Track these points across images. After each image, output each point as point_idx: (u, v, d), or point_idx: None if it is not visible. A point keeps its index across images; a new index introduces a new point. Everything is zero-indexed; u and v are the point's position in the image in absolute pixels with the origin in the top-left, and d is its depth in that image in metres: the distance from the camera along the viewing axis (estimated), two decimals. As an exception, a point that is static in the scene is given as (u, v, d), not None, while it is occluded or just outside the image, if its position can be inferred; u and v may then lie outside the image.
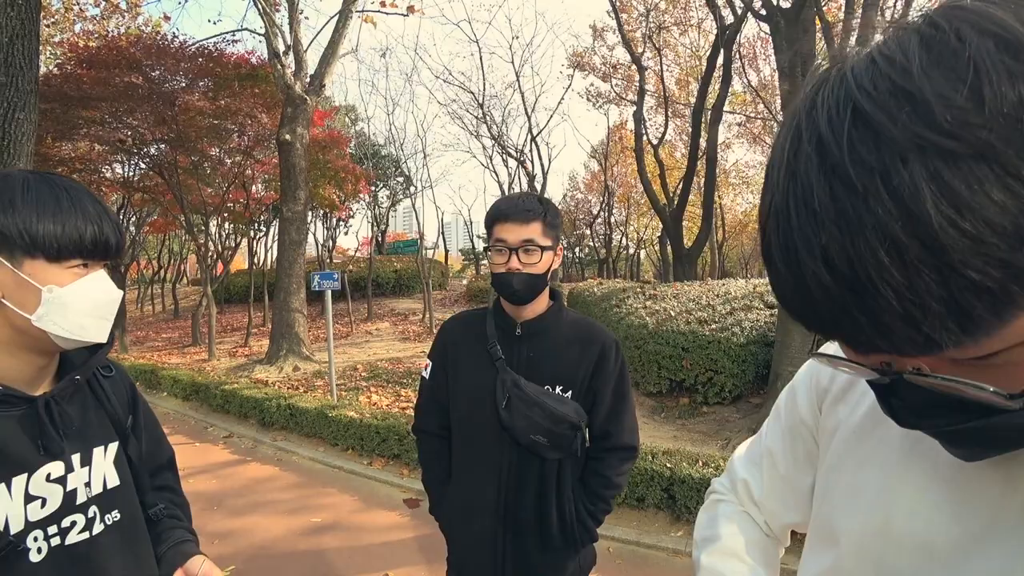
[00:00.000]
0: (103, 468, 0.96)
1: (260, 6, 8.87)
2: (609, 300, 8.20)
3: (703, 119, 11.02)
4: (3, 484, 0.82)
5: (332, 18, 9.89)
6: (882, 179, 0.31)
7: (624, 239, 28.54)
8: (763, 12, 6.05)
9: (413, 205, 16.67)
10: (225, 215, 15.49)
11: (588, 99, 20.77)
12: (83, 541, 0.90)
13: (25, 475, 0.85)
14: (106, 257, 0.89)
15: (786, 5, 5.31)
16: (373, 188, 20.49)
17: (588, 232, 28.36)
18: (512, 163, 18.95)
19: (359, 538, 3.69)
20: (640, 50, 14.58)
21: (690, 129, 12.37)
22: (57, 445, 0.88)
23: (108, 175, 13.92)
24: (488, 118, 17.55)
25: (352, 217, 24.31)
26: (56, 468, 0.88)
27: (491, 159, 20.54)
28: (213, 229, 16.44)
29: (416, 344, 11.01)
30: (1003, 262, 0.30)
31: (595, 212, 26.33)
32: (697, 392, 6.02)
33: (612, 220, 24.94)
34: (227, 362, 10.19)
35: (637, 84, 12.87)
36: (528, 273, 1.40)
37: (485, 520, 1.46)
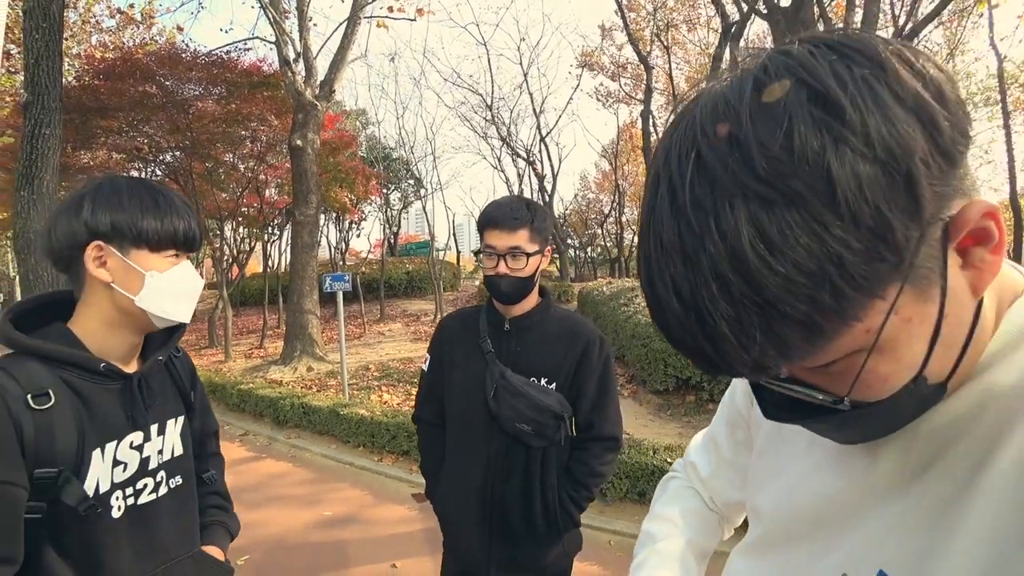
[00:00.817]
0: (172, 438, 1.11)
1: (270, 15, 9.05)
2: (617, 299, 8.27)
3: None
4: (99, 449, 0.95)
5: (341, 24, 10.06)
6: (715, 221, 0.34)
7: (636, 238, 28.49)
8: (764, 10, 6.09)
9: (423, 207, 16.83)
10: (239, 219, 15.76)
11: (597, 99, 20.81)
12: (151, 502, 1.04)
13: (115, 442, 0.98)
14: (192, 249, 1.04)
15: (786, 3, 5.35)
16: (385, 191, 20.68)
17: (600, 231, 28.35)
18: (521, 164, 19.04)
19: (369, 531, 3.81)
20: (648, 49, 14.60)
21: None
22: (143, 417, 1.03)
23: (126, 182, 14.26)
24: (497, 119, 17.66)
25: (364, 220, 24.51)
26: (137, 437, 1.02)
27: (499, 160, 20.62)
28: (228, 233, 16.71)
29: (427, 344, 11.13)
30: (810, 298, 0.33)
31: (606, 211, 26.32)
32: (703, 390, 6.07)
33: (624, 219, 24.93)
34: (243, 363, 10.41)
35: (645, 83, 12.90)
36: (515, 277, 1.50)
37: (474, 503, 1.56)
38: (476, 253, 1.61)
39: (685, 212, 0.35)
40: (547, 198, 18.56)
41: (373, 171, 15.96)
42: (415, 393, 6.25)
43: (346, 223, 21.74)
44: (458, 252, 25.83)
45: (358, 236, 22.05)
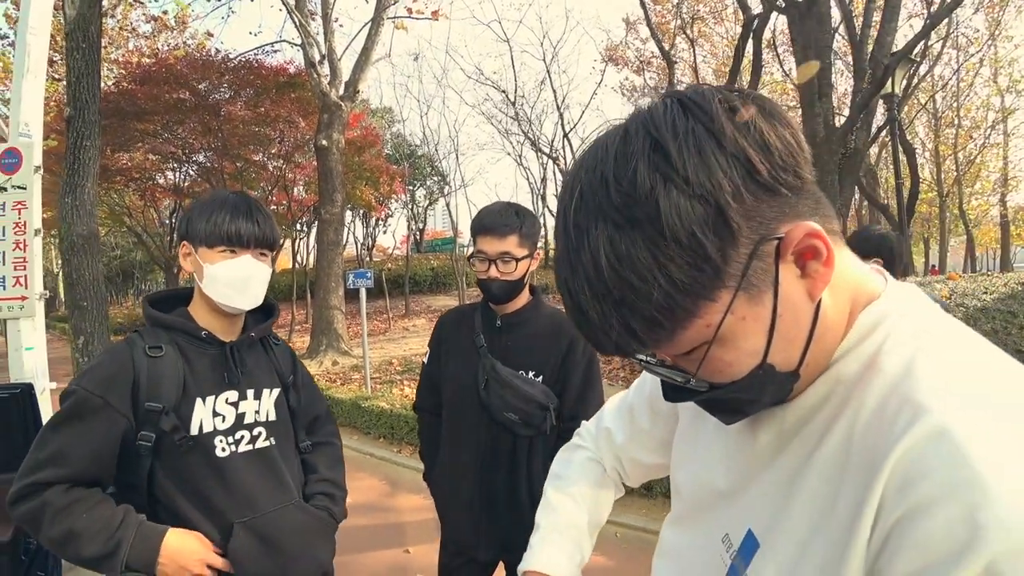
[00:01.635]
0: (267, 405, 1.33)
1: (296, 18, 9.32)
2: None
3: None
4: (199, 398, 1.21)
5: (365, 25, 10.28)
6: (586, 237, 0.45)
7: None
8: (782, 4, 6.06)
9: (447, 204, 17.04)
10: (269, 217, 16.17)
11: (623, 93, 20.70)
12: (248, 451, 1.27)
13: (214, 396, 1.23)
14: (244, 245, 1.23)
15: (802, 0, 5.32)
16: (410, 188, 20.97)
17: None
18: (545, 160, 19.09)
19: (385, 517, 4.00)
20: (673, 42, 14.46)
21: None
22: (235, 377, 1.27)
23: (161, 182, 14.82)
24: (520, 116, 17.73)
25: (391, 216, 24.89)
26: (232, 395, 1.26)
27: (522, 156, 20.69)
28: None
29: (449, 339, 11.31)
30: (649, 298, 0.44)
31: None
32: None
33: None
34: (272, 357, 10.74)
35: (668, 78, 12.82)
36: (505, 280, 1.62)
37: (465, 487, 1.69)
38: (469, 258, 1.73)
39: (569, 231, 0.47)
40: (570, 194, 18.51)
41: (398, 169, 16.23)
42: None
43: (372, 220, 22.13)
44: (482, 248, 25.83)
45: (384, 232, 22.45)
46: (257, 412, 1.30)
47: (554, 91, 16.88)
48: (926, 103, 18.31)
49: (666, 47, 13.39)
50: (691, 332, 0.47)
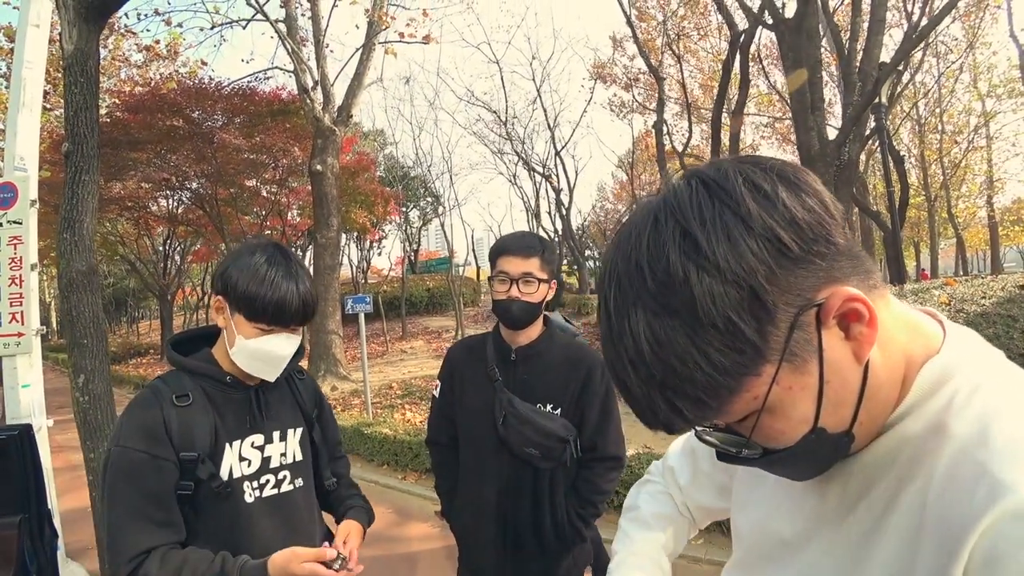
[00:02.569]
0: (293, 445, 1.31)
1: (288, 45, 9.39)
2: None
3: (723, 125, 11.04)
4: (228, 443, 1.19)
5: (357, 51, 10.37)
6: (628, 323, 0.46)
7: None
8: (770, 21, 6.15)
9: (442, 224, 17.06)
10: (263, 242, 16.15)
11: (611, 110, 20.91)
12: (274, 496, 1.25)
13: (240, 440, 1.21)
14: (286, 325, 1.19)
15: (790, 15, 5.40)
16: (403, 209, 21.02)
17: (618, 241, 28.24)
18: (538, 178, 19.19)
19: (394, 548, 3.90)
20: (660, 58, 14.67)
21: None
22: (260, 422, 1.25)
23: (154, 210, 14.78)
24: (512, 135, 17.86)
25: (385, 238, 24.89)
26: (258, 438, 1.24)
27: (515, 176, 20.81)
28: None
29: (448, 360, 11.24)
30: (691, 381, 0.45)
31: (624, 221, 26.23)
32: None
33: (641, 228, 24.81)
34: (269, 383, 10.63)
35: (657, 94, 12.97)
36: (526, 301, 1.59)
37: (488, 522, 1.64)
38: (489, 279, 1.70)
39: (610, 315, 0.48)
40: (564, 211, 18.66)
41: (392, 192, 16.28)
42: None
43: (367, 243, 22.12)
44: (478, 267, 25.98)
45: (379, 254, 22.44)
46: (283, 455, 1.29)
47: (544, 110, 17.04)
48: (910, 111, 18.62)
49: (654, 63, 13.56)
50: (738, 406, 0.47)
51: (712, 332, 0.43)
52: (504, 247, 1.63)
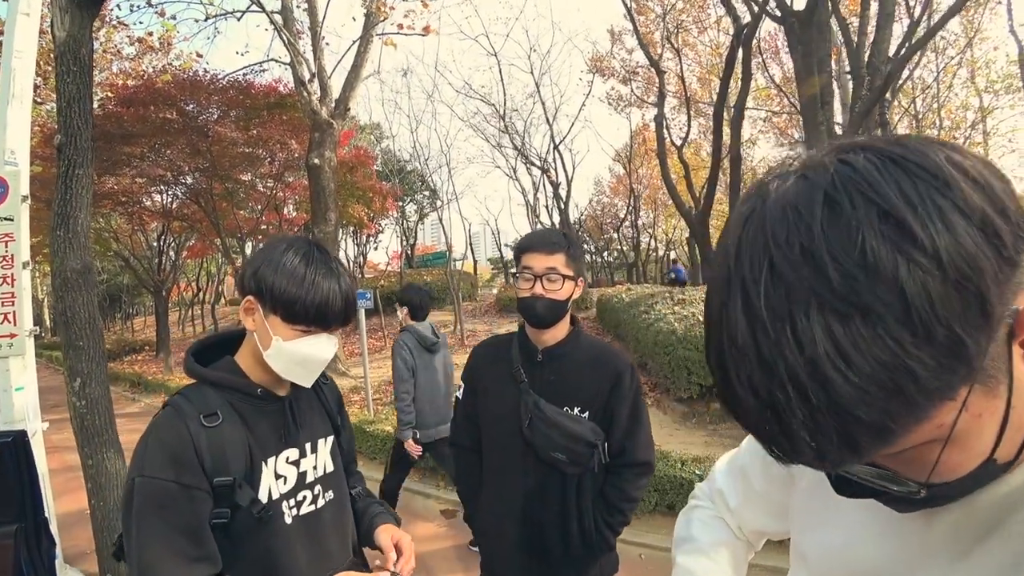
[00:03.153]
0: (324, 456, 1.23)
1: (284, 37, 9.23)
2: (637, 306, 8.22)
3: (725, 118, 10.96)
4: (263, 462, 1.09)
5: (354, 43, 10.22)
6: (791, 329, 0.35)
7: (653, 241, 28.34)
8: (778, 13, 6.06)
9: (440, 218, 16.93)
10: (259, 237, 16.01)
11: (609, 103, 20.78)
12: (311, 512, 1.16)
13: (275, 457, 1.11)
14: (327, 327, 1.10)
15: (799, 5, 5.31)
16: (400, 203, 20.88)
17: (616, 235, 28.26)
18: (536, 172, 19.08)
19: (399, 550, 3.83)
20: (659, 52, 14.56)
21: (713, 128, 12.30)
22: (295, 435, 1.16)
23: (148, 204, 14.60)
24: (510, 129, 17.73)
25: (382, 232, 24.76)
26: (293, 453, 1.15)
27: (514, 170, 20.70)
28: (248, 251, 17.02)
29: (448, 356, 11.16)
30: (883, 408, 0.35)
31: (622, 215, 26.22)
32: (728, 396, 6.00)
33: (639, 223, 24.81)
34: (267, 380, 10.53)
35: (657, 87, 12.88)
36: (550, 299, 1.52)
37: (513, 527, 1.57)
38: (514, 275, 1.64)
39: (760, 317, 0.37)
40: (562, 205, 18.56)
41: (390, 187, 16.14)
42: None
43: (364, 237, 21.98)
44: (475, 262, 25.86)
45: (375, 249, 22.32)
46: (315, 467, 1.20)
47: (543, 103, 16.90)
48: (908, 107, 18.59)
49: (654, 56, 13.44)
50: (917, 435, 0.38)
51: (924, 344, 0.33)
52: (528, 243, 1.57)
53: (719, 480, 0.87)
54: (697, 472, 3.88)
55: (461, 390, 1.74)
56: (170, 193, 14.15)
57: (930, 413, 0.36)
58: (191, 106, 10.25)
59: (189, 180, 12.70)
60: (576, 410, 1.54)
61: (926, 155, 0.37)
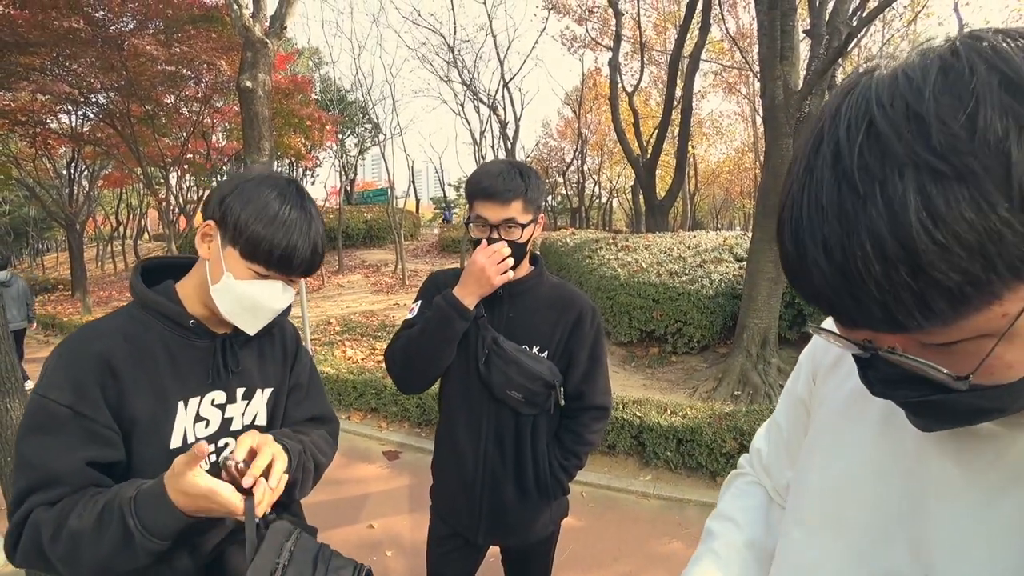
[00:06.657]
0: (259, 406, 1.13)
1: (210, -60, 8.26)
2: (581, 251, 8.26)
3: (680, 68, 10.84)
4: (182, 402, 1.00)
5: (290, -46, 9.28)
6: (880, 187, 0.36)
7: (597, 187, 28.47)
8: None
9: (382, 153, 16.23)
10: (185, 167, 14.90)
11: (563, 43, 20.19)
12: None
13: (198, 398, 1.02)
14: (287, 275, 1.00)
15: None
16: (340, 136, 19.82)
17: (561, 180, 28.17)
18: (484, 110, 18.50)
19: (341, 491, 3.79)
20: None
21: (666, 77, 12.19)
22: (225, 378, 1.05)
23: (55, 126, 13.17)
24: (459, 63, 16.98)
25: (319, 165, 23.60)
26: (219, 396, 1.06)
27: (463, 106, 19.97)
28: (173, 182, 15.81)
29: (389, 296, 10.98)
30: (963, 270, 0.35)
31: (568, 160, 26.08)
32: (667, 342, 6.20)
33: (585, 168, 24.77)
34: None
35: (613, 29, 12.54)
36: (509, 242, 1.41)
37: (466, 468, 1.53)
38: (466, 224, 1.50)
39: (850, 175, 0.37)
40: (509, 145, 18.19)
41: (329, 116, 15.22)
42: (380, 348, 6.08)
43: (300, 170, 20.89)
44: (417, 200, 25.19)
45: (313, 183, 21.28)
46: (243, 414, 1.10)
47: (494, 37, 16.21)
48: (851, 73, 19.11)
49: (610, -4, 13.02)
50: (983, 319, 0.38)
51: (1017, 211, 0.33)
52: (481, 189, 1.40)
53: (757, 441, 0.87)
54: (637, 414, 4.00)
55: (414, 311, 1.58)
56: (80, 114, 12.79)
57: (1001, 292, 0.36)
58: (101, 13, 9.11)
59: (102, 100, 11.47)
60: (535, 349, 1.48)
61: None
